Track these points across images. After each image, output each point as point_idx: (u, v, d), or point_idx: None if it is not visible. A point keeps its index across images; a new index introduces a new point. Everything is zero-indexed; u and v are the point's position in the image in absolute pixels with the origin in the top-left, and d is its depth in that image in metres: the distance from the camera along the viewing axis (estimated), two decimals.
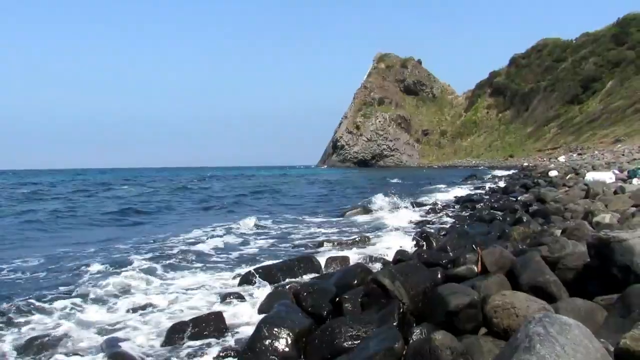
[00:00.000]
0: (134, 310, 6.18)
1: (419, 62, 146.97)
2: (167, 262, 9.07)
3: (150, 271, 8.27)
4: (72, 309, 6.21)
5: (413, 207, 17.42)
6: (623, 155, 32.18)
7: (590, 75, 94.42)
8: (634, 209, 7.88)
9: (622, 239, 3.93)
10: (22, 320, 5.80)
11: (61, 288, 7.23)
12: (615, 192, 10.48)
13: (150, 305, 6.36)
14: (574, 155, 51.48)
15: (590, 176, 14.90)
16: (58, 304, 6.34)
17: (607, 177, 14.30)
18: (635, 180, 12.70)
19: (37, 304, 6.29)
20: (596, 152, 46.93)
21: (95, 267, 8.59)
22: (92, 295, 6.77)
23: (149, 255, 9.80)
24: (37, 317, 5.90)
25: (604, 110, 78.87)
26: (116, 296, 6.82)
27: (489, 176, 40.71)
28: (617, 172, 16.27)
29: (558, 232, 7.05)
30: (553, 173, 24.07)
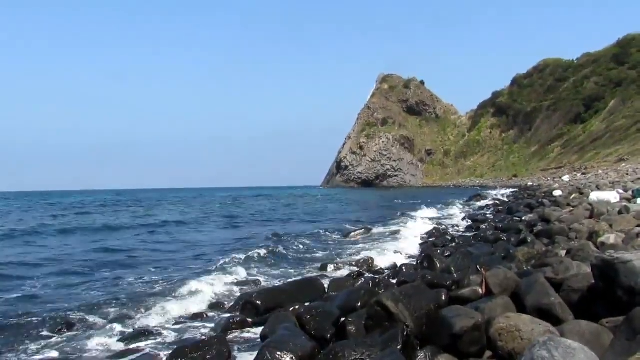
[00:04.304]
0: (138, 334, 6.15)
1: (422, 82, 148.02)
2: (169, 282, 9.06)
3: (151, 293, 8.26)
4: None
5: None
6: (627, 174, 31.98)
7: (592, 95, 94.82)
8: (638, 229, 7.84)
9: (627, 260, 3.91)
10: None
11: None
12: (619, 212, 10.43)
13: (154, 329, 6.33)
14: (578, 174, 51.24)
15: (595, 196, 14.81)
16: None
17: (612, 196, 14.23)
18: (639, 200, 12.63)
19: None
20: (600, 171, 46.71)
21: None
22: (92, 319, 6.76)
23: (150, 280, 9.78)
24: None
25: (607, 130, 78.89)
26: (117, 319, 6.80)
27: (493, 196, 40.57)
28: (621, 191, 16.20)
29: (563, 252, 7.02)
30: (557, 193, 23.98)
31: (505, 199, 32.97)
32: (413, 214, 24.28)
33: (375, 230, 17.18)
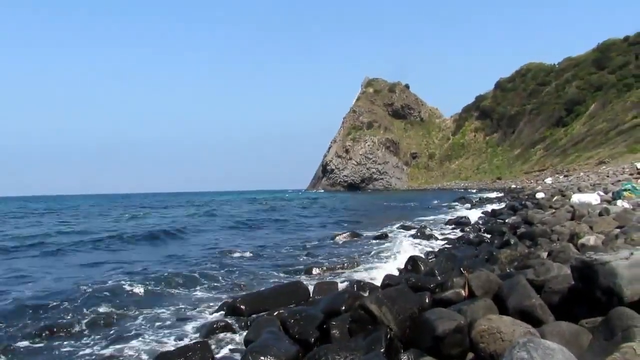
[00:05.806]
0: (119, 338, 6.06)
1: (407, 86, 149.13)
2: (155, 288, 8.95)
3: (135, 299, 8.16)
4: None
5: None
6: (608, 176, 32.55)
7: (573, 99, 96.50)
8: (617, 230, 7.96)
9: (605, 261, 3.97)
10: None
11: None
12: (600, 214, 10.59)
13: (136, 334, 6.25)
14: (560, 177, 52.03)
15: (576, 198, 15.03)
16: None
17: (593, 198, 14.45)
18: (619, 202, 12.85)
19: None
20: (582, 173, 47.49)
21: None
22: (75, 327, 6.65)
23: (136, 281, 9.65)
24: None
25: (588, 133, 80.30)
26: (100, 323, 6.70)
27: (477, 198, 40.98)
28: (602, 193, 16.46)
29: (544, 254, 7.11)
30: (540, 195, 24.29)
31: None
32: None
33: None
